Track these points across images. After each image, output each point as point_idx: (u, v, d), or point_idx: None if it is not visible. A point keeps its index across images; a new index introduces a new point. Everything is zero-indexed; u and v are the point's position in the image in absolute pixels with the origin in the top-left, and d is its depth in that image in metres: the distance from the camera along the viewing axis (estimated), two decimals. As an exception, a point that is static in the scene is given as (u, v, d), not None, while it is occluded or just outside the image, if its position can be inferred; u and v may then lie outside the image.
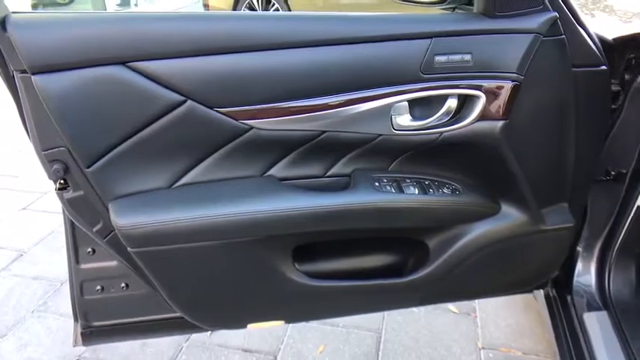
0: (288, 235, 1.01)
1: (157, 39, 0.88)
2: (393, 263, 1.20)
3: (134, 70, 0.87)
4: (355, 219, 1.01)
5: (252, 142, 0.96)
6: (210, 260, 1.02)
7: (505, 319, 1.76)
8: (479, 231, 1.11)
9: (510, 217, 1.12)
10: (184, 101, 0.91)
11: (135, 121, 0.91)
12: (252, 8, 6.08)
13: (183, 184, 0.98)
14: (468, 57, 0.96)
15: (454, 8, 1.09)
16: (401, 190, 1.03)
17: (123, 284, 1.20)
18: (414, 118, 0.99)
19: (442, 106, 0.99)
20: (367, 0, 5.02)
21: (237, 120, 0.94)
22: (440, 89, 0.97)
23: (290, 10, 5.87)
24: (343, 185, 1.05)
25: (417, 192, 1.04)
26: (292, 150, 1.01)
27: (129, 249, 0.97)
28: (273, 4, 6.00)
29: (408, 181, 1.06)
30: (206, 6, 6.40)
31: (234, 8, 6.08)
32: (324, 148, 1.01)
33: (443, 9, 1.10)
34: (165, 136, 0.93)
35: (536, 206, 1.11)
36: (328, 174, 1.06)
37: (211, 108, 0.92)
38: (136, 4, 8.00)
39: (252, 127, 0.95)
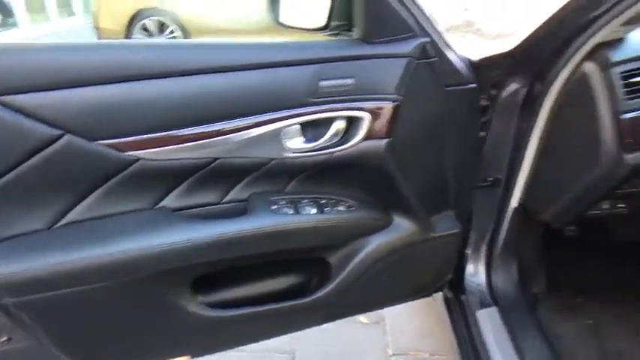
0: (185, 267, 0.98)
1: (28, 70, 0.83)
2: (296, 284, 1.21)
3: (1, 104, 0.81)
4: (255, 244, 1.01)
5: (141, 173, 0.93)
6: (101, 303, 0.95)
7: (411, 324, 1.85)
8: (375, 244, 1.16)
9: (402, 227, 1.18)
10: (62, 135, 0.85)
11: (5, 159, 0.84)
12: (147, 30, 5.90)
13: (66, 224, 0.92)
14: (351, 81, 1.01)
15: (337, 34, 1.15)
16: (298, 211, 1.05)
17: (4, 338, 1.08)
18: (307, 140, 1.03)
19: (331, 128, 1.03)
20: (258, 25, 5.09)
21: (122, 151, 0.90)
22: (327, 112, 1.01)
23: (187, 33, 5.77)
24: (241, 211, 1.04)
25: (314, 212, 1.06)
26: (185, 179, 0.99)
27: (6, 300, 0.88)
28: (168, 27, 5.88)
29: (305, 201, 1.08)
30: (97, 29, 6.11)
31: (128, 31, 5.86)
32: (218, 174, 1.00)
33: (326, 35, 1.15)
34: (42, 173, 0.86)
35: (424, 216, 1.19)
36: (224, 200, 1.05)
37: (93, 141, 0.88)
38: (16, 26, 7.40)
39: (139, 159, 0.92)
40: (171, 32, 5.85)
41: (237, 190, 1.05)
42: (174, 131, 0.93)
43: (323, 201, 1.09)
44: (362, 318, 1.87)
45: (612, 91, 1.08)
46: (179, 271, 0.99)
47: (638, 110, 1.09)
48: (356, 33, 1.06)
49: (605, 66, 1.08)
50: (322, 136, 1.03)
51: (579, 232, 1.50)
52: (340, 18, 1.12)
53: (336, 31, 1.14)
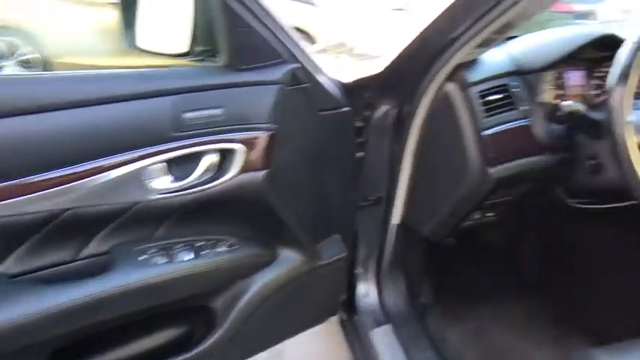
0: (34, 344, 0.82)
1: None
2: (179, 337, 1.09)
3: None
4: (121, 304, 0.88)
5: None
6: None
7: (311, 350, 1.79)
8: (261, 282, 1.09)
9: (289, 260, 1.13)
10: None
11: None
12: (-7, 52, 5.19)
13: None
14: (219, 111, 0.94)
15: (201, 60, 1.07)
16: (171, 259, 0.94)
17: None
18: (175, 178, 0.93)
19: (201, 164, 0.94)
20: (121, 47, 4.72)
21: None
22: (195, 146, 0.92)
23: (46, 57, 5.18)
24: (101, 267, 0.90)
25: (189, 257, 0.96)
26: (27, 237, 0.83)
27: None
28: (19, 47, 5.20)
29: (179, 246, 0.97)
30: None
31: (-30, 52, 5.12)
32: (70, 227, 0.86)
33: (189, 61, 1.06)
34: None
35: (310, 244, 1.15)
36: (80, 257, 0.90)
37: None
38: None
39: None
40: (25, 54, 5.21)
41: (95, 243, 0.91)
42: (9, 182, 0.78)
43: (200, 243, 0.99)
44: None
45: (472, 110, 1.14)
46: (27, 347, 0.82)
47: (496, 126, 1.17)
48: (221, 59, 0.99)
49: (464, 86, 1.14)
50: (192, 173, 0.94)
51: (456, 241, 1.58)
52: (204, 43, 1.04)
53: (200, 57, 1.06)
